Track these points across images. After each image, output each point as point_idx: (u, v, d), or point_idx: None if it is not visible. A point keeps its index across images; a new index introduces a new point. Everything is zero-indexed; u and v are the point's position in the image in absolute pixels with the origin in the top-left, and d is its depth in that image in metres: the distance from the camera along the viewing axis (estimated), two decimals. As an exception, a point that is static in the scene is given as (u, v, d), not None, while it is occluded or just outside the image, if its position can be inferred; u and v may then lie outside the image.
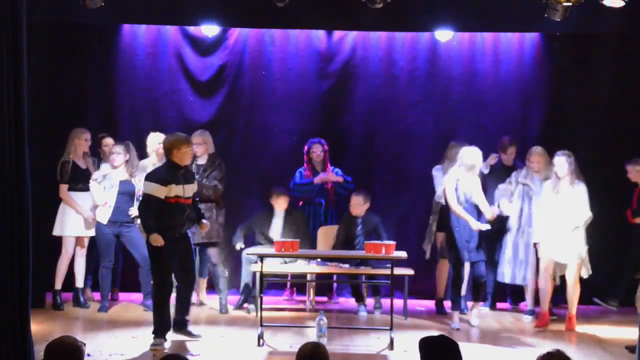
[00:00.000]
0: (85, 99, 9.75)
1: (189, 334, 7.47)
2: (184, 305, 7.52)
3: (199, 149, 8.73)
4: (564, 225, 8.15)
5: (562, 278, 8.38)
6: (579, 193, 8.19)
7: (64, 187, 8.61)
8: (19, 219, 5.62)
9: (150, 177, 7.32)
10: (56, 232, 8.66)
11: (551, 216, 8.22)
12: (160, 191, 7.15)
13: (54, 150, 8.95)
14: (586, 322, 8.66)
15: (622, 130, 9.52)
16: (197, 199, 7.71)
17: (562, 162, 8.22)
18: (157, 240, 7.13)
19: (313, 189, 9.20)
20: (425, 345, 3.99)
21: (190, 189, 7.40)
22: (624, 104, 9.51)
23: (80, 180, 8.66)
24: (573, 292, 8.21)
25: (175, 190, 7.22)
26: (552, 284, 8.33)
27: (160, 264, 7.24)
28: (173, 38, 9.98)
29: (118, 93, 9.92)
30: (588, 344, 7.63)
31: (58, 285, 8.69)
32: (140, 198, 7.42)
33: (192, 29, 9.90)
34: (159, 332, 7.22)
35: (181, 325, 7.49)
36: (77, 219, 8.65)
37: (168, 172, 7.28)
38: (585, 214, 8.20)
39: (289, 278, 9.22)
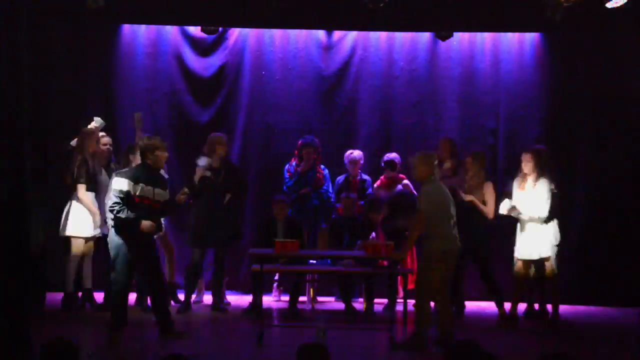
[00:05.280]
0: (85, 98, 9.74)
1: (176, 334, 7.43)
2: (160, 307, 7.44)
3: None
4: (527, 222, 8.19)
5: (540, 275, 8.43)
6: (541, 190, 8.17)
7: (82, 187, 8.50)
8: (19, 219, 5.61)
9: (121, 174, 7.39)
10: (68, 232, 8.56)
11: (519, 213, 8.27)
12: (128, 186, 7.15)
13: (55, 150, 8.95)
14: (586, 321, 8.68)
15: (622, 130, 9.52)
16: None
17: (528, 158, 8.22)
18: (147, 225, 7.15)
19: (307, 180, 9.20)
20: (450, 348, 3.91)
21: (160, 194, 7.36)
22: (624, 103, 9.51)
23: (91, 182, 8.61)
24: (549, 290, 8.21)
25: (144, 190, 7.22)
26: (522, 286, 8.35)
27: (120, 259, 7.22)
28: (173, 38, 9.98)
29: (118, 93, 9.92)
30: (588, 343, 7.63)
31: (70, 288, 8.57)
32: (111, 197, 7.38)
33: (192, 29, 9.90)
34: (116, 326, 7.21)
35: (166, 326, 7.45)
36: (87, 219, 8.59)
37: (140, 172, 7.31)
38: (541, 212, 8.16)
39: (276, 278, 9.23)
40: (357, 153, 9.38)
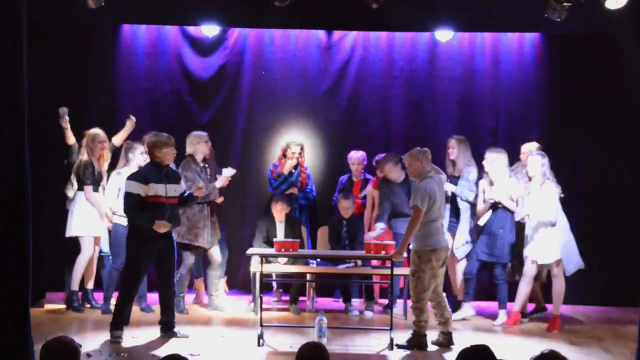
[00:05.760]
0: (85, 99, 9.74)
1: (176, 335, 7.45)
2: (167, 306, 7.50)
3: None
4: (537, 225, 8.16)
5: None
6: (547, 193, 8.13)
7: (88, 189, 8.49)
8: (19, 219, 5.61)
9: (131, 176, 7.41)
10: (72, 233, 8.55)
11: (528, 217, 8.25)
12: (138, 189, 7.18)
13: (55, 150, 8.94)
14: (586, 321, 8.68)
15: (622, 129, 9.52)
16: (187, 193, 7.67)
17: (534, 161, 8.18)
18: (161, 226, 7.18)
19: (293, 181, 9.20)
20: (465, 356, 3.86)
21: (173, 189, 7.40)
22: (624, 103, 9.50)
23: (98, 182, 8.60)
24: (556, 292, 8.20)
25: (155, 189, 7.25)
26: (531, 287, 8.32)
27: (132, 260, 7.27)
28: (173, 38, 9.98)
29: (118, 93, 9.92)
30: (588, 343, 7.62)
31: (75, 287, 8.57)
32: (123, 201, 7.41)
33: (192, 29, 9.90)
34: (118, 325, 7.24)
35: (168, 327, 7.48)
36: (94, 219, 8.56)
37: (149, 171, 7.34)
38: (547, 215, 8.09)
39: (274, 278, 9.22)
40: (360, 153, 9.39)
